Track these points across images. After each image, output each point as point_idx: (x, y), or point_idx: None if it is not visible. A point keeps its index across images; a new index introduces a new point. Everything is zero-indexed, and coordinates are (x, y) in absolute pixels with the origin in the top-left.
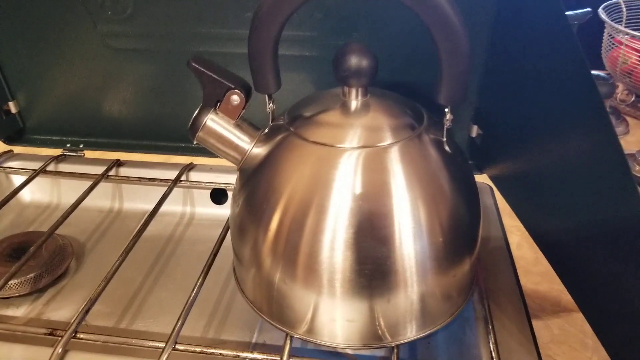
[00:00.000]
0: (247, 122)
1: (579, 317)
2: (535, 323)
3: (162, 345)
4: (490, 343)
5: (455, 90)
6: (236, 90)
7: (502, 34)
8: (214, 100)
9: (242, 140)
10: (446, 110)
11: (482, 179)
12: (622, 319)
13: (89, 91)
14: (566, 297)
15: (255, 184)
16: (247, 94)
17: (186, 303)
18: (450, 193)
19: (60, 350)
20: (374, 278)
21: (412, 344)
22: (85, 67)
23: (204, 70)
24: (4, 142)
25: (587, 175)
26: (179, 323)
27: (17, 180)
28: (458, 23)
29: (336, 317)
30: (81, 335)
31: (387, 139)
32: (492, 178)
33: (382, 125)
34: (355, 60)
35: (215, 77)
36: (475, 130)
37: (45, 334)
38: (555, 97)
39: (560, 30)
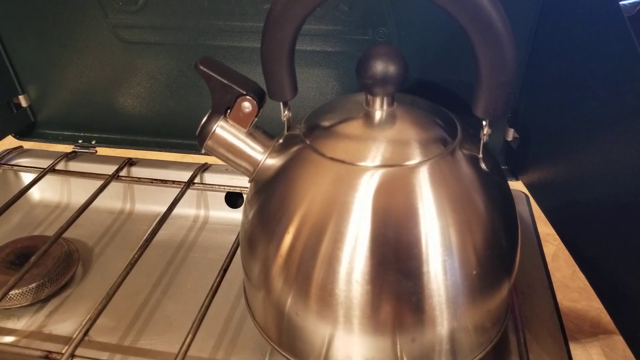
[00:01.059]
0: (260, 130)
1: (619, 340)
2: (573, 347)
3: None
4: None
5: (495, 103)
6: (248, 97)
7: (546, 29)
8: (223, 107)
9: (255, 150)
10: (484, 123)
11: (517, 185)
12: None
13: (101, 85)
14: (606, 317)
15: (267, 200)
16: (260, 100)
17: (194, 321)
18: (486, 218)
19: None
20: (398, 316)
21: None
22: (97, 60)
23: (212, 74)
24: (15, 136)
25: (628, 186)
26: (186, 343)
27: (27, 178)
28: (502, 27)
29: (353, 355)
30: (79, 357)
31: (416, 157)
32: (527, 185)
33: (410, 140)
34: (381, 67)
35: (225, 81)
36: (511, 134)
37: (40, 357)
38: (605, 99)
39: (613, 25)
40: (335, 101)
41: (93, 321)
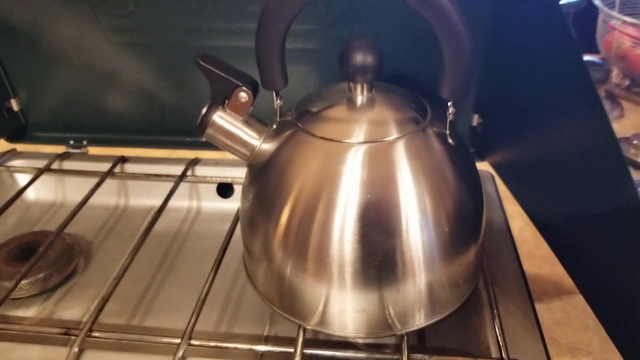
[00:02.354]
0: (255, 119)
1: (580, 299)
2: (539, 306)
3: (178, 341)
4: (496, 328)
5: (457, 85)
6: (244, 88)
7: (502, 26)
8: (221, 98)
9: (251, 137)
10: (449, 104)
11: (483, 166)
12: (621, 299)
13: (92, 86)
14: (568, 281)
15: (265, 180)
16: (254, 91)
17: (199, 298)
18: (454, 184)
19: (76, 349)
20: (384, 269)
21: (420, 332)
22: (87, 62)
23: (211, 68)
24: (7, 140)
25: (583, 160)
26: (193, 318)
27: (21, 179)
28: (459, 22)
29: (347, 308)
30: (96, 334)
31: (393, 134)
32: (493, 165)
33: (388, 120)
34: (360, 57)
35: (223, 74)
36: (476, 119)
37: (60, 334)
38: (552, 85)
39: (554, 19)
40: (321, 90)
41: (105, 301)
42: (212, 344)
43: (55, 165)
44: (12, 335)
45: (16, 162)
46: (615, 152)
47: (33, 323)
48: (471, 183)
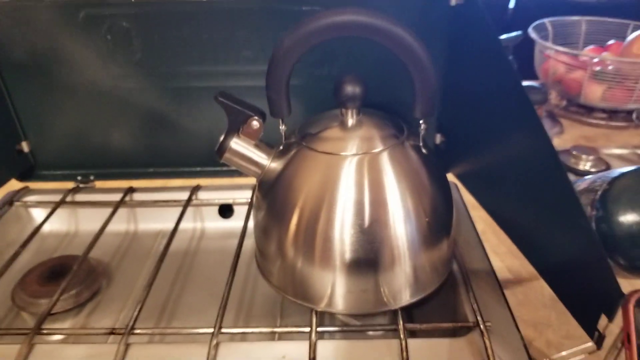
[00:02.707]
0: (264, 142)
1: (537, 284)
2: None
3: (211, 330)
4: (471, 298)
5: (426, 106)
6: (255, 117)
7: (455, 59)
8: (237, 126)
9: (261, 157)
10: (420, 122)
11: (448, 177)
12: (573, 274)
13: (99, 126)
14: (526, 270)
15: (276, 190)
16: (264, 119)
17: (223, 296)
18: (429, 185)
19: (123, 346)
20: (378, 255)
21: (410, 307)
22: (95, 104)
23: (229, 103)
24: (17, 179)
25: (531, 167)
26: (221, 312)
27: (36, 213)
28: (425, 57)
29: (351, 289)
30: (138, 331)
31: (379, 146)
32: (457, 176)
33: (374, 136)
34: (350, 88)
35: (238, 107)
36: (439, 138)
37: (105, 333)
38: (500, 107)
39: (495, 53)
40: (318, 115)
41: (142, 304)
42: (240, 330)
43: (68, 199)
44: (57, 339)
45: (31, 198)
46: (553, 157)
47: (71, 333)
48: (442, 184)
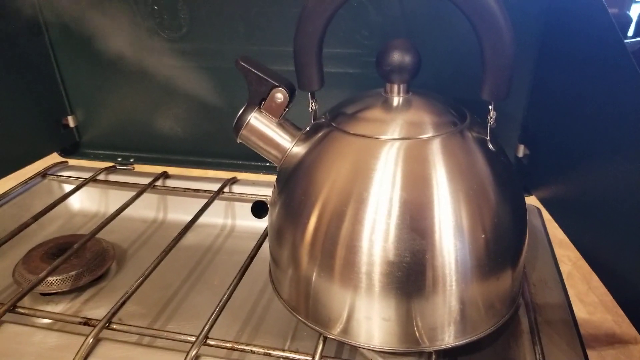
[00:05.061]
0: (289, 122)
1: (636, 349)
2: (589, 352)
3: (193, 339)
4: (536, 354)
5: (498, 85)
6: (280, 88)
7: (551, 52)
8: (258, 98)
9: (284, 139)
10: (490, 107)
11: (530, 200)
12: None
13: (143, 107)
14: (621, 329)
15: (295, 182)
16: (291, 93)
17: (220, 301)
18: (493, 190)
19: (91, 339)
20: (412, 272)
21: (452, 353)
22: (141, 84)
23: (251, 68)
24: (60, 154)
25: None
26: (212, 318)
27: (68, 188)
28: (501, 15)
29: (372, 314)
30: (114, 326)
31: (429, 132)
32: (541, 200)
33: (424, 120)
34: (398, 56)
35: (261, 75)
36: (522, 150)
37: (79, 323)
38: (610, 119)
39: (618, 56)
40: (356, 94)
41: (129, 296)
42: (229, 345)
43: (101, 177)
44: (35, 321)
45: (66, 173)
46: None
47: (58, 319)
48: (514, 198)
